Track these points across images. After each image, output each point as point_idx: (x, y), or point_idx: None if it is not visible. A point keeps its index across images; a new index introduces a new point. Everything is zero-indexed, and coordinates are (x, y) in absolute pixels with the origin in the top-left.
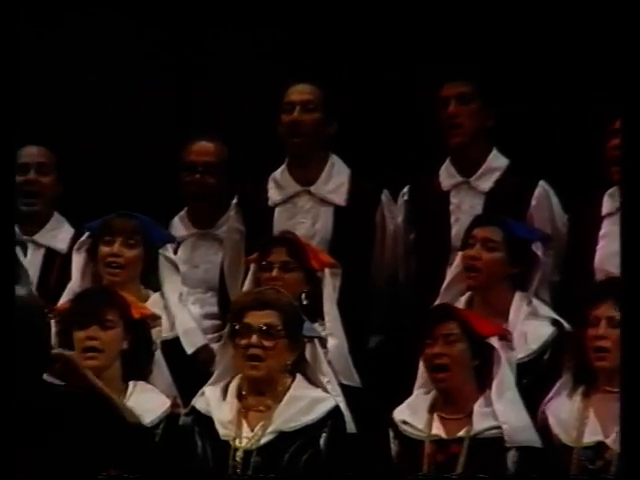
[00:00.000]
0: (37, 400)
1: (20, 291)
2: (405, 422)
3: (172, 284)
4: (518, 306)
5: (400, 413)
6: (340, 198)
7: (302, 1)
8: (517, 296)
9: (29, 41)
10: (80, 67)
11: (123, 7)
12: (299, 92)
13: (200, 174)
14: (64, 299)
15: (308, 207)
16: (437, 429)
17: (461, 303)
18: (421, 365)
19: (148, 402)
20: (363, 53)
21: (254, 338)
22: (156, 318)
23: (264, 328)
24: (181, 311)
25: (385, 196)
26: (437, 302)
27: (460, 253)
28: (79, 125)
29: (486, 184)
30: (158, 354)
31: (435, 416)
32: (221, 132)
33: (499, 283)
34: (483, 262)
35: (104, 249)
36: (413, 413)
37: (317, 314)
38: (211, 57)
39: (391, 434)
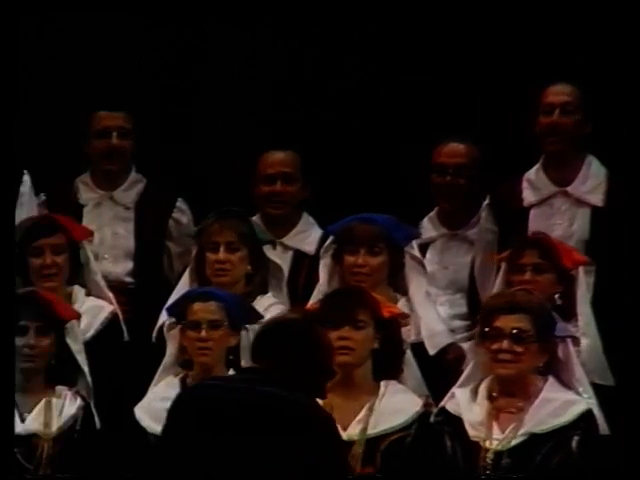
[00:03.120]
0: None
1: (292, 314)
2: None
3: (418, 283)
4: None
5: None
6: (597, 198)
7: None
8: None
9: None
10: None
11: None
12: (558, 93)
13: (451, 176)
14: (313, 300)
15: (564, 208)
16: None
17: None
18: None
19: (400, 402)
20: (620, 51)
21: (505, 343)
22: (405, 317)
23: (515, 332)
24: (427, 311)
25: None
26: None
27: None
28: (323, 127)
29: None
30: (408, 353)
31: None
32: (473, 132)
33: None
34: None
35: (349, 258)
36: None
37: (571, 314)
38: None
39: None
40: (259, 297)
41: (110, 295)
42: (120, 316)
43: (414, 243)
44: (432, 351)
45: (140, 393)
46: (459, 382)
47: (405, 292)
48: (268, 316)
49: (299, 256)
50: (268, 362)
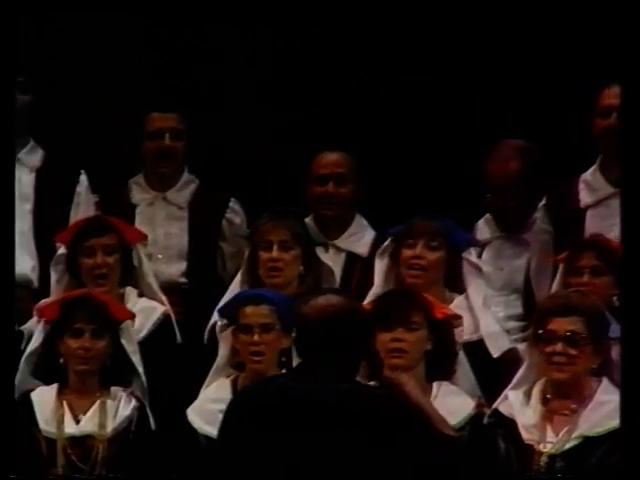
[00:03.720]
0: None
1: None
2: None
3: (476, 287)
4: None
5: None
6: None
7: None
8: None
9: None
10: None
11: None
12: (617, 96)
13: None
14: (366, 302)
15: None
16: None
17: None
18: None
19: (453, 404)
20: None
21: (559, 346)
22: (458, 318)
23: (569, 335)
24: (485, 314)
25: None
26: None
27: None
28: (375, 130)
29: None
30: (461, 354)
31: None
32: (529, 134)
33: None
34: None
35: (406, 252)
36: None
37: None
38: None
39: None
40: None
41: (162, 297)
42: (172, 317)
43: (472, 250)
44: (496, 354)
45: (193, 394)
46: (512, 384)
47: (461, 291)
48: None
49: (352, 258)
50: (316, 356)
